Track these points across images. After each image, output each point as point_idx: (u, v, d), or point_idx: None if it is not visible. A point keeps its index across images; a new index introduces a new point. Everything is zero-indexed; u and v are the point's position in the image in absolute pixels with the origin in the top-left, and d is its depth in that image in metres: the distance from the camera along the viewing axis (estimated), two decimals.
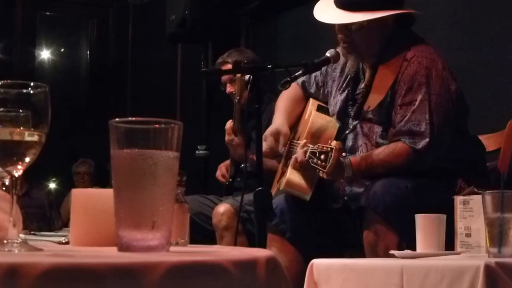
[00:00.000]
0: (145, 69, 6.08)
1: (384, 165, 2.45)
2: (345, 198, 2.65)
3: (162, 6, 5.33)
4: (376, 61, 2.63)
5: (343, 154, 2.45)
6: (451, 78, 2.52)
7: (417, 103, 2.46)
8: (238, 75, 3.27)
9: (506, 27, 3.30)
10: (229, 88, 3.64)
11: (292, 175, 2.63)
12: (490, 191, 1.81)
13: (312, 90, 2.92)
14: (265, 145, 2.74)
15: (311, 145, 2.47)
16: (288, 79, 2.46)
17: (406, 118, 2.47)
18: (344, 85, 2.75)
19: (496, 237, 1.78)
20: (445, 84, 2.49)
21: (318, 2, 2.69)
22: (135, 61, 6.13)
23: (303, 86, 2.94)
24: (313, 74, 2.88)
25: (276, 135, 2.77)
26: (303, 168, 2.53)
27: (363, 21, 2.53)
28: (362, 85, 2.67)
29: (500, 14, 3.36)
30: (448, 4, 3.63)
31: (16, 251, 1.00)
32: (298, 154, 2.50)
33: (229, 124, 3.41)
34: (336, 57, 2.60)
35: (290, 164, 2.70)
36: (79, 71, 7.32)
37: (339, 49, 2.63)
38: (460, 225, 2.12)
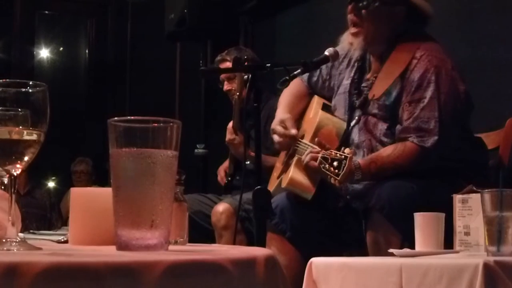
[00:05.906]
0: (144, 67, 6.08)
1: (394, 167, 2.45)
2: (348, 197, 2.65)
3: (161, 4, 5.33)
4: (382, 52, 2.64)
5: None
6: (460, 78, 2.53)
7: (426, 100, 2.46)
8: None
9: (505, 26, 3.29)
10: (226, 86, 3.64)
11: (295, 174, 2.63)
12: (489, 190, 1.81)
13: (318, 82, 2.90)
14: (276, 137, 2.75)
15: (322, 150, 2.46)
16: (287, 77, 2.46)
17: (415, 115, 2.46)
18: (352, 74, 2.74)
19: (495, 235, 1.78)
20: (453, 84, 2.50)
21: None
22: (134, 59, 6.13)
23: (309, 79, 2.92)
24: None
25: (282, 122, 2.78)
26: (312, 171, 2.53)
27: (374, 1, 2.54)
28: (368, 76, 2.68)
29: (499, 13, 3.36)
30: (447, 3, 3.62)
31: (15, 250, 1.00)
32: (307, 157, 2.49)
33: (230, 124, 3.42)
34: (334, 56, 2.60)
35: (293, 162, 2.69)
36: (78, 70, 7.31)
37: (337, 48, 2.62)
38: (459, 224, 2.12)
